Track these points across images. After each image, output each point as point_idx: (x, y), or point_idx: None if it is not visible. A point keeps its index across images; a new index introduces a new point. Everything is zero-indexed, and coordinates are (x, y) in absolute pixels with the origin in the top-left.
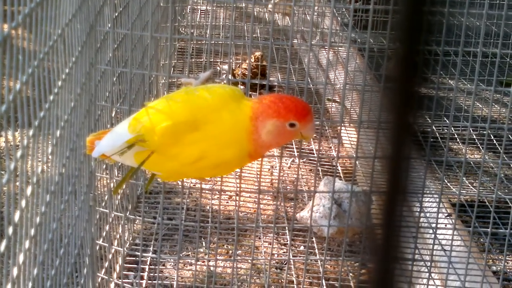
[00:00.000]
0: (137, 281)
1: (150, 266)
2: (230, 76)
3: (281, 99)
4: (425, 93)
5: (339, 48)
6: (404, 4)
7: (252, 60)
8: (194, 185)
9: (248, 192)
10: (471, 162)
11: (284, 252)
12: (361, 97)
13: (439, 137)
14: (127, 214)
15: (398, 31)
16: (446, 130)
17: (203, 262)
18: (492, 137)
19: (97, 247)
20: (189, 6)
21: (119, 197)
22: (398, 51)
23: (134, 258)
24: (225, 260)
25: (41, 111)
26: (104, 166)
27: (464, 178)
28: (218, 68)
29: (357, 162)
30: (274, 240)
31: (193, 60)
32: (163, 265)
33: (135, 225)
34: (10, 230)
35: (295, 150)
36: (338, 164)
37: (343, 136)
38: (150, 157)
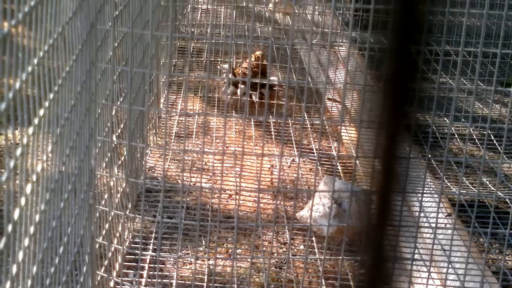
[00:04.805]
0: (137, 279)
1: (150, 265)
2: (230, 75)
3: None
4: (418, 91)
5: (340, 48)
6: (399, 2)
7: (253, 59)
8: (194, 184)
9: (248, 191)
10: (471, 162)
11: (283, 251)
12: (361, 96)
13: (439, 137)
14: (127, 213)
15: (393, 29)
16: (446, 130)
17: (203, 260)
18: (492, 137)
19: (97, 246)
20: (189, 5)
21: (118, 195)
22: (392, 49)
23: (133, 257)
24: (225, 258)
25: (41, 109)
26: (104, 165)
27: (464, 178)
28: (218, 67)
29: (357, 162)
30: (274, 239)
31: (194, 59)
32: (163, 263)
33: (134, 223)
34: (10, 228)
35: (295, 149)
36: (338, 164)
37: (343, 136)
38: None
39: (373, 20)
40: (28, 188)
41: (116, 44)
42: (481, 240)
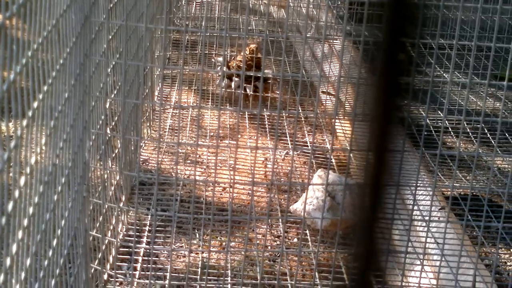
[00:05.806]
0: (130, 272)
1: (144, 257)
2: (224, 68)
3: None
4: (407, 83)
5: (334, 41)
6: None
7: (247, 52)
8: (188, 177)
9: (242, 184)
10: (465, 156)
11: (277, 244)
12: (355, 89)
13: (433, 130)
14: (121, 205)
15: (387, 22)
16: (440, 123)
17: (197, 253)
18: (486, 131)
19: (91, 238)
20: None
21: (112, 188)
22: (386, 43)
23: (127, 249)
24: (219, 251)
25: (35, 102)
26: (98, 157)
27: (457, 171)
28: (212, 60)
29: (351, 155)
30: (268, 232)
31: (188, 52)
32: (157, 256)
33: (128, 216)
34: (3, 220)
35: (289, 142)
36: (332, 157)
37: (337, 129)
38: None
39: (368, 13)
40: (22, 181)
41: (110, 37)
42: (474, 233)
